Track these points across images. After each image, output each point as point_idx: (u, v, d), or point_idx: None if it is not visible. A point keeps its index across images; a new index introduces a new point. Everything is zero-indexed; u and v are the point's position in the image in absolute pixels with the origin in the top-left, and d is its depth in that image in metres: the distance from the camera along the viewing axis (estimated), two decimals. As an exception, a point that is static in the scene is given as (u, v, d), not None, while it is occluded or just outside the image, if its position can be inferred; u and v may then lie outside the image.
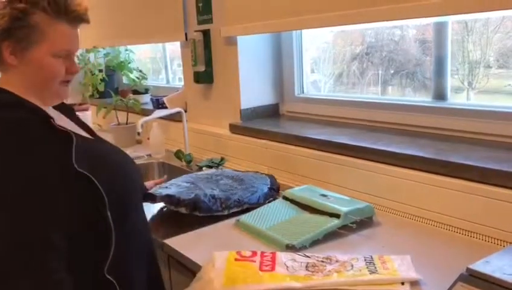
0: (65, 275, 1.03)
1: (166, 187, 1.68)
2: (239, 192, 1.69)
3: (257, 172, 1.95)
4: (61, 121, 1.19)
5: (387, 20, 1.68)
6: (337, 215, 1.44)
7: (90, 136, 1.30)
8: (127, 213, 1.21)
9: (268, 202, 1.70)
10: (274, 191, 1.78)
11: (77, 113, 1.38)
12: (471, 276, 0.98)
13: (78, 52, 4.06)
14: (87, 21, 1.21)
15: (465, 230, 1.37)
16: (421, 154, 1.49)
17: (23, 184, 1.02)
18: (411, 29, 1.93)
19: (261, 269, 1.18)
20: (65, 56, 1.18)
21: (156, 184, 1.73)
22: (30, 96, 1.15)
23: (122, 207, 1.19)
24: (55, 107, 1.26)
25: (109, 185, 1.13)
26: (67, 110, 1.32)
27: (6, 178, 1.02)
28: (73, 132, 1.14)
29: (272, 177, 1.86)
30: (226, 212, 1.63)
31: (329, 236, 1.40)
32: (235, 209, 1.64)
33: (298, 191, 1.67)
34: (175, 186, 1.70)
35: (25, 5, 1.11)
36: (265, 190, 1.74)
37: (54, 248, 1.02)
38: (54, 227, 1.03)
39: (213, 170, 1.95)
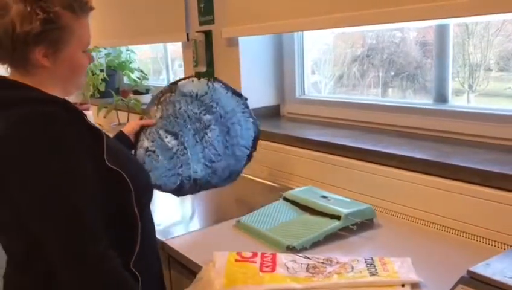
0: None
1: (155, 152, 1.62)
2: (222, 165, 1.69)
3: (245, 110, 1.78)
4: None
5: (388, 23, 1.68)
6: (337, 217, 1.44)
7: None
8: (143, 208, 1.24)
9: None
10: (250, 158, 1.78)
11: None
12: (472, 278, 0.99)
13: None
14: (93, 8, 1.24)
15: (466, 232, 1.37)
16: (422, 156, 1.49)
17: (58, 176, 1.04)
18: (412, 32, 1.93)
19: (261, 270, 1.19)
20: (86, 49, 1.22)
21: (142, 126, 1.63)
22: (56, 91, 1.16)
23: (141, 201, 1.22)
24: None
25: (134, 180, 1.17)
26: None
27: (42, 171, 1.03)
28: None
29: (255, 123, 1.78)
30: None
31: (330, 238, 1.40)
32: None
33: (299, 192, 1.68)
34: (163, 154, 1.63)
35: (59, 7, 1.11)
36: (242, 163, 1.74)
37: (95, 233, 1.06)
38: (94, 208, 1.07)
39: (198, 106, 1.73)
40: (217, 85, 1.72)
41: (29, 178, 1.03)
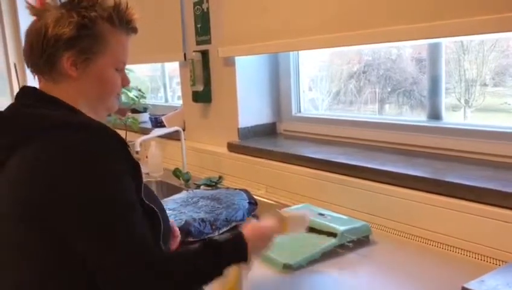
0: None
1: None
2: (223, 211, 1.69)
3: (228, 188, 1.98)
4: None
5: (382, 42, 1.70)
6: (334, 235, 1.44)
7: None
8: (165, 248, 1.16)
9: (253, 216, 1.72)
10: (253, 205, 1.80)
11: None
12: (466, 295, 0.99)
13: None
14: (136, 31, 1.18)
15: (461, 249, 1.37)
16: (417, 173, 1.50)
17: (111, 200, 0.95)
18: (407, 48, 1.95)
19: None
20: (121, 68, 1.15)
21: None
22: (83, 109, 1.09)
23: (165, 241, 1.15)
24: None
25: (163, 219, 1.09)
26: None
27: (94, 195, 0.94)
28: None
29: (246, 191, 1.87)
30: (216, 233, 1.62)
31: (327, 255, 1.40)
32: (224, 229, 1.64)
33: (296, 210, 1.67)
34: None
35: (96, 13, 1.06)
36: (246, 205, 1.76)
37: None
38: None
39: (184, 193, 1.93)
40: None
41: (84, 203, 0.93)
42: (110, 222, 0.94)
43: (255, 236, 1.13)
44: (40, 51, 1.04)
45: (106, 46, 1.08)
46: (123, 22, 1.11)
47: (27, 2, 1.10)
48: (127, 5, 1.12)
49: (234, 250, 1.07)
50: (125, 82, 1.17)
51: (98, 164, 0.96)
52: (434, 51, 1.75)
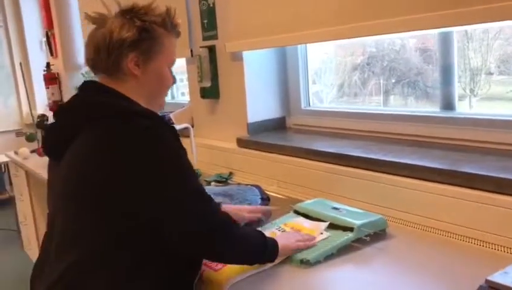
0: None
1: None
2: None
3: (240, 184, 1.98)
4: None
5: (391, 33, 1.68)
6: (350, 229, 1.44)
7: None
8: None
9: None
10: (266, 200, 1.80)
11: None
12: (491, 288, 0.99)
13: (84, 70, 4.08)
14: (180, 35, 1.33)
15: (482, 241, 1.36)
16: (433, 165, 1.49)
17: (183, 167, 1.15)
18: (411, 39, 1.95)
19: None
20: (171, 67, 1.31)
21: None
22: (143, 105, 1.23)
23: None
24: None
25: None
26: None
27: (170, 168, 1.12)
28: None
29: (258, 187, 1.87)
30: None
31: (343, 250, 1.40)
32: None
33: (309, 204, 1.66)
34: None
35: (154, 18, 1.23)
36: (259, 201, 1.76)
37: None
38: None
39: None
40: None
41: (166, 176, 1.10)
42: (192, 187, 1.13)
43: (284, 248, 1.32)
44: (107, 53, 1.20)
45: (162, 47, 1.25)
46: (173, 26, 1.28)
47: (86, 14, 1.24)
48: (175, 11, 1.29)
49: (271, 255, 1.28)
50: (174, 79, 1.34)
51: (169, 144, 1.13)
52: (445, 40, 1.74)
